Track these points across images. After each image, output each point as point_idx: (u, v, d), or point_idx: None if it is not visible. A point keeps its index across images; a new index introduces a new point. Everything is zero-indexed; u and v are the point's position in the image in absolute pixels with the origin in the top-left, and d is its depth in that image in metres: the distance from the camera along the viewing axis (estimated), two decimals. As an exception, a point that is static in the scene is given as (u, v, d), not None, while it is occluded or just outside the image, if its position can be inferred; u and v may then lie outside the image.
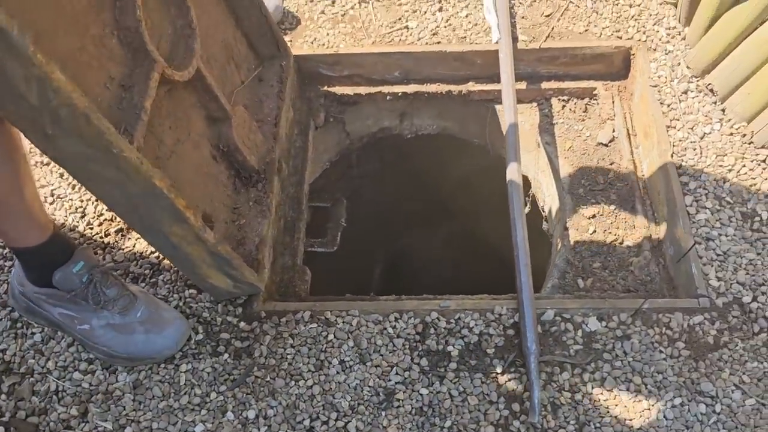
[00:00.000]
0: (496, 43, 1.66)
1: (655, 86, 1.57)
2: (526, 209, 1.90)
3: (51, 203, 1.48)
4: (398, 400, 1.22)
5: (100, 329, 1.21)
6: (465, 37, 1.71)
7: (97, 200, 1.49)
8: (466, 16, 1.76)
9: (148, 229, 1.12)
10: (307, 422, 1.20)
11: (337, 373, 1.25)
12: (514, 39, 1.68)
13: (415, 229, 2.61)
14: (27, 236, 1.15)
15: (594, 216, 1.53)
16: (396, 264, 2.71)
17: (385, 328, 1.30)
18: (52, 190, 1.50)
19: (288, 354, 1.28)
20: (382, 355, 1.27)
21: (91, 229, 1.45)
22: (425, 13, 1.77)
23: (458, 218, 2.48)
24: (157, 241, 1.15)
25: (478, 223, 2.34)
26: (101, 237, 1.44)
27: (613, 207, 1.54)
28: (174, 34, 1.23)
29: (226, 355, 1.28)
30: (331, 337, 1.30)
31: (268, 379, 1.25)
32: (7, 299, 1.32)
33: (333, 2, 1.83)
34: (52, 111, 0.86)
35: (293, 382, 1.25)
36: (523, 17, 1.74)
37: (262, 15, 1.51)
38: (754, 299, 1.30)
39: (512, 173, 1.47)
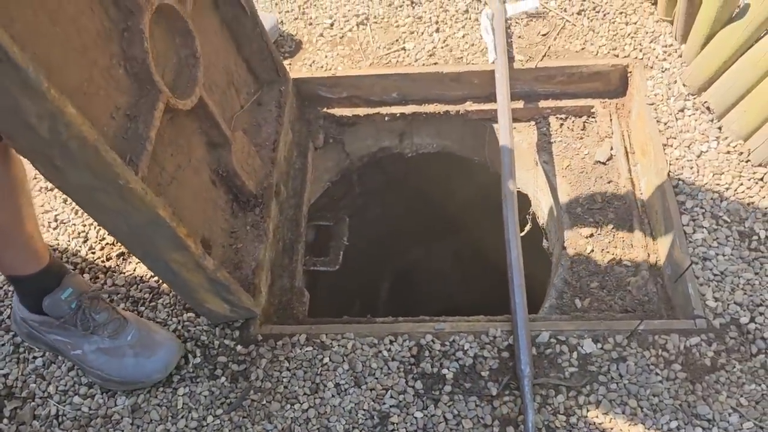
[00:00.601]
0: (493, 63, 1.67)
1: (652, 104, 1.57)
2: (527, 227, 1.91)
3: (54, 228, 1.51)
4: (393, 423, 1.23)
5: (92, 354, 1.23)
6: (462, 57, 1.72)
7: (98, 225, 1.51)
8: (463, 36, 1.77)
9: (149, 256, 1.14)
10: (301, 446, 1.21)
11: (333, 396, 1.26)
12: (511, 59, 1.69)
13: (419, 246, 2.61)
14: (24, 266, 1.17)
15: (592, 235, 1.53)
16: (402, 280, 2.72)
17: (380, 351, 1.31)
18: (55, 216, 1.53)
19: (284, 377, 1.29)
20: (376, 378, 1.28)
21: (93, 253, 1.47)
22: (422, 34, 1.79)
23: (462, 234, 2.48)
24: (157, 267, 1.17)
25: (482, 239, 2.34)
26: (103, 261, 1.47)
27: (611, 226, 1.53)
28: (178, 63, 1.25)
29: (223, 379, 1.29)
30: (326, 360, 1.31)
31: (264, 402, 1.26)
32: (11, 324, 1.35)
33: (331, 25, 1.85)
34: (62, 144, 0.88)
35: (289, 406, 1.26)
36: (519, 37, 1.75)
37: (263, 41, 1.53)
38: (752, 320, 1.29)
39: (507, 194, 1.47)
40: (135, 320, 1.27)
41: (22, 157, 1.00)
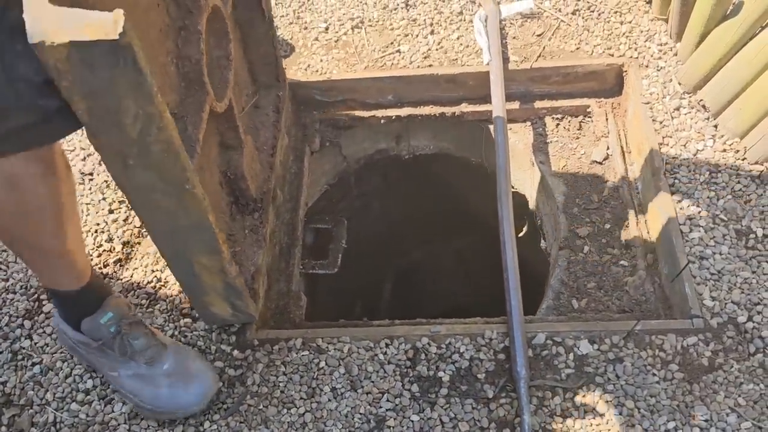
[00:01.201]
0: (487, 64, 1.67)
1: (647, 103, 1.56)
2: (525, 228, 1.91)
3: (52, 236, 1.52)
4: (389, 427, 1.22)
5: (128, 379, 1.20)
6: (456, 59, 1.72)
7: (96, 232, 1.52)
8: (458, 38, 1.77)
9: (178, 256, 1.12)
10: (298, 450, 1.21)
11: (329, 400, 1.26)
12: (506, 59, 1.69)
13: (419, 247, 2.61)
14: (62, 280, 1.14)
15: (588, 235, 1.52)
16: (403, 281, 2.72)
17: (376, 355, 1.31)
18: (53, 223, 1.54)
19: (280, 382, 1.29)
20: (373, 382, 1.28)
21: (91, 259, 1.48)
22: (417, 36, 1.79)
23: (462, 234, 2.48)
24: (179, 267, 1.16)
25: (481, 239, 2.34)
26: (100, 267, 1.47)
27: (607, 226, 1.53)
28: (210, 64, 1.24)
29: (219, 384, 1.29)
30: (322, 364, 1.31)
31: (261, 407, 1.26)
32: (56, 332, 1.32)
33: (326, 29, 1.85)
34: (145, 145, 0.87)
35: (285, 410, 1.26)
36: (514, 38, 1.75)
37: (272, 46, 1.52)
38: (750, 319, 1.28)
39: (503, 195, 1.47)
40: (174, 348, 1.23)
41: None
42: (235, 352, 1.33)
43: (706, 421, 1.18)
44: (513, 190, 1.58)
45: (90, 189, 1.60)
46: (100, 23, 0.70)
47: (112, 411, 1.27)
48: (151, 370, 1.20)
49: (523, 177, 1.76)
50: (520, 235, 1.91)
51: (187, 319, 1.39)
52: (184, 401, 1.20)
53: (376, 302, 2.57)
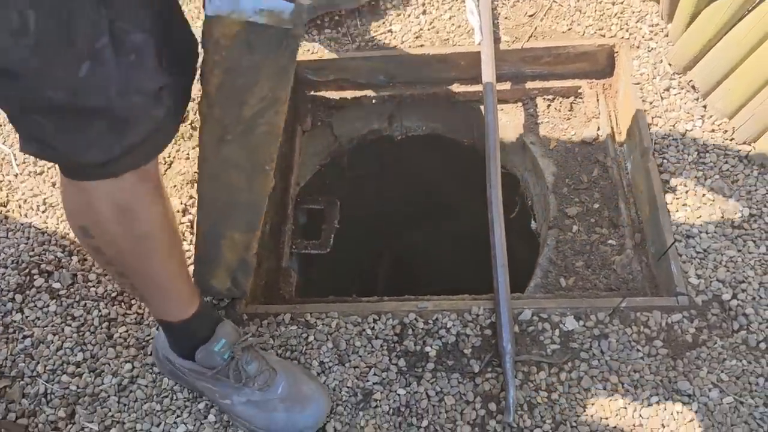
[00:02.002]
0: (479, 44, 1.67)
1: (638, 84, 1.57)
2: (516, 209, 1.92)
3: (43, 212, 1.53)
4: (376, 400, 1.24)
5: (241, 406, 1.17)
6: (448, 39, 1.72)
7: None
8: (450, 18, 1.77)
9: (212, 229, 1.13)
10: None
11: (317, 374, 1.27)
12: (497, 40, 1.69)
13: (412, 227, 2.62)
14: (173, 310, 1.12)
15: (577, 215, 1.53)
16: (397, 261, 2.74)
17: (364, 330, 1.32)
18: (44, 199, 1.55)
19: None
20: (360, 356, 1.29)
21: (82, 236, 1.49)
22: (409, 16, 1.79)
23: (454, 215, 2.49)
24: (207, 238, 1.16)
25: (475, 219, 2.35)
26: (91, 244, 1.48)
27: (596, 206, 1.54)
28: None
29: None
30: (311, 338, 1.32)
31: (249, 380, 1.28)
32: (153, 358, 1.29)
33: (319, 8, 1.85)
34: (251, 126, 0.89)
35: (274, 384, 1.27)
36: (506, 18, 1.75)
37: None
38: (734, 297, 1.29)
39: (492, 174, 1.48)
40: (284, 370, 1.20)
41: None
42: (225, 327, 1.34)
43: (689, 396, 1.20)
44: (503, 170, 1.59)
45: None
46: (278, 11, 0.74)
47: (102, 383, 1.28)
48: (265, 395, 1.17)
49: (513, 158, 1.76)
50: (511, 216, 1.92)
51: (178, 294, 1.40)
52: (301, 424, 1.17)
53: (370, 283, 2.58)
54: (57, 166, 0.89)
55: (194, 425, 1.23)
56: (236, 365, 1.15)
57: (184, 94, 0.88)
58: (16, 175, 1.59)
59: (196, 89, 0.89)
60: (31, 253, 1.45)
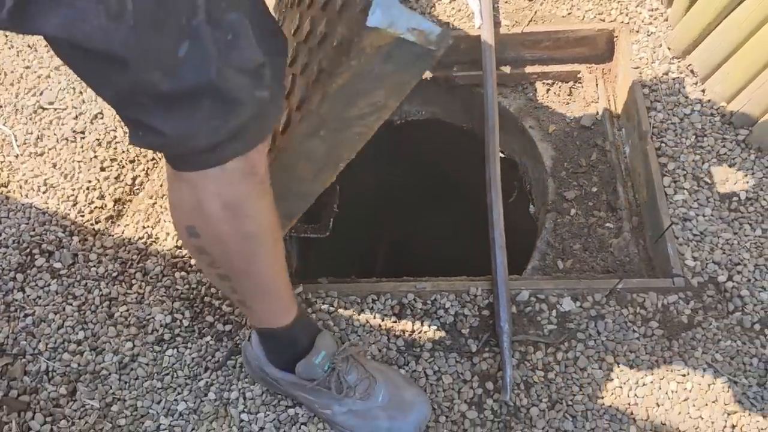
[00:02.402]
0: (479, 28, 1.67)
1: (637, 68, 1.57)
2: (515, 193, 1.92)
3: (44, 192, 1.53)
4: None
5: (342, 416, 1.16)
6: (448, 23, 1.72)
7: (88, 189, 1.53)
8: (450, 2, 1.77)
9: (289, 183, 1.12)
10: (285, 403, 1.23)
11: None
12: (497, 24, 1.69)
13: (411, 212, 2.63)
14: (274, 315, 1.09)
15: (576, 198, 1.54)
16: (397, 245, 2.75)
17: (363, 309, 1.33)
18: (45, 180, 1.55)
19: (268, 335, 1.31)
20: (359, 336, 1.30)
21: (83, 216, 1.50)
22: (409, 0, 1.79)
23: (453, 199, 2.50)
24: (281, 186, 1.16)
25: (474, 203, 2.36)
26: (92, 224, 1.49)
27: (594, 189, 1.54)
28: None
29: (208, 338, 1.32)
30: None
31: (249, 359, 1.29)
32: (244, 365, 1.27)
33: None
34: (350, 126, 0.94)
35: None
36: (506, 2, 1.75)
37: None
38: (730, 278, 1.30)
39: (490, 156, 1.49)
40: (383, 377, 1.18)
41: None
42: (224, 307, 1.36)
43: (683, 375, 1.21)
44: (502, 156, 1.60)
45: (82, 147, 1.61)
46: (427, 32, 0.81)
47: (103, 360, 1.29)
48: (367, 404, 1.15)
49: (512, 142, 1.77)
50: (510, 200, 1.93)
51: (182, 273, 1.41)
52: (404, 431, 1.17)
53: (369, 266, 2.59)
54: (165, 162, 0.87)
55: (194, 402, 1.24)
56: (337, 376, 1.13)
57: (282, 78, 0.85)
58: (16, 156, 1.60)
59: None
60: (32, 233, 1.46)
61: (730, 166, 1.42)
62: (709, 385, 1.20)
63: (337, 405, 1.15)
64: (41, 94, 1.72)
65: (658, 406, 1.19)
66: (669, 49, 1.58)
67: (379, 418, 1.15)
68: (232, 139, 0.79)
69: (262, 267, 0.98)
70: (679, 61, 1.56)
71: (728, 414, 1.17)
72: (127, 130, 0.80)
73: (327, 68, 0.91)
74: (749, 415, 1.16)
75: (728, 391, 1.19)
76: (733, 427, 1.16)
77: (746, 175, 1.41)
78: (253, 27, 0.74)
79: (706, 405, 1.18)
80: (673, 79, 1.54)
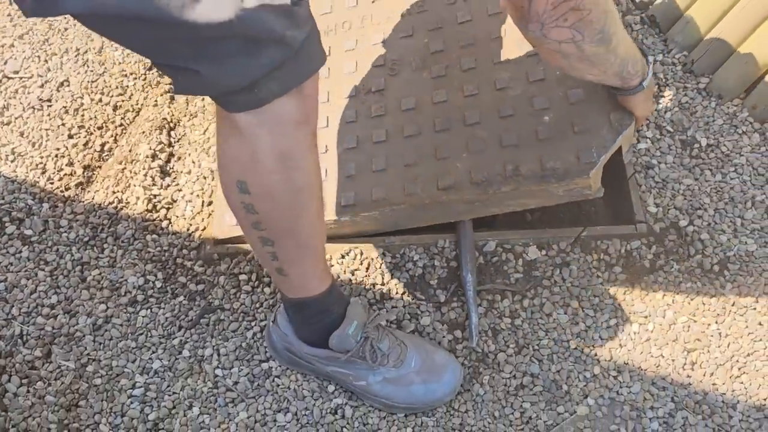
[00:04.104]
0: None
1: (601, 21, 1.58)
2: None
3: (12, 161, 1.53)
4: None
5: (377, 385, 1.16)
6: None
7: (56, 156, 1.53)
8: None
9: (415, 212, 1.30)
10: (258, 357, 1.26)
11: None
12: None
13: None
14: (311, 281, 1.08)
15: (543, 152, 1.56)
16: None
17: (332, 266, 1.35)
18: (12, 149, 1.55)
19: (241, 295, 1.33)
20: (330, 291, 1.32)
21: (52, 183, 1.50)
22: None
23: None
24: None
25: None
26: (62, 191, 1.49)
27: (561, 143, 1.56)
28: None
29: (181, 298, 1.33)
30: (281, 275, 1.35)
31: (222, 317, 1.31)
32: (268, 349, 1.26)
33: None
34: None
35: (246, 322, 1.30)
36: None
37: None
38: (691, 223, 1.33)
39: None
40: (412, 343, 1.20)
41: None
42: (197, 267, 1.37)
43: (645, 317, 1.25)
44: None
45: (49, 115, 1.60)
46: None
47: (77, 323, 1.31)
48: (400, 371, 1.16)
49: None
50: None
51: (154, 236, 1.42)
52: (439, 393, 1.18)
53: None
54: (217, 120, 0.87)
55: (169, 360, 1.26)
56: (370, 345, 1.14)
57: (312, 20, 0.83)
58: (-17, 126, 1.59)
59: None
60: (1, 201, 1.46)
61: (691, 114, 1.45)
62: (670, 325, 1.23)
63: (371, 375, 1.16)
64: (5, 63, 1.70)
65: (621, 347, 1.23)
66: (632, 1, 1.59)
67: (414, 383, 1.16)
68: (267, 78, 0.78)
69: (306, 224, 0.98)
70: (642, 13, 1.58)
71: (688, 351, 1.20)
72: (172, 81, 0.81)
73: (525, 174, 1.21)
74: (708, 351, 1.20)
75: (688, 330, 1.22)
76: (693, 363, 1.20)
77: (707, 123, 1.43)
78: None
79: (667, 344, 1.22)
80: (637, 30, 1.55)
